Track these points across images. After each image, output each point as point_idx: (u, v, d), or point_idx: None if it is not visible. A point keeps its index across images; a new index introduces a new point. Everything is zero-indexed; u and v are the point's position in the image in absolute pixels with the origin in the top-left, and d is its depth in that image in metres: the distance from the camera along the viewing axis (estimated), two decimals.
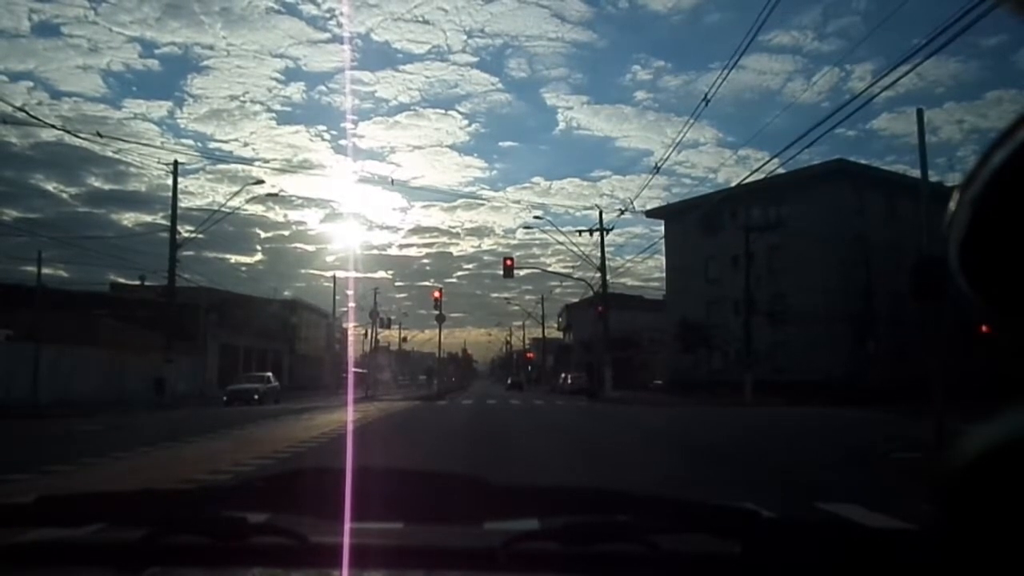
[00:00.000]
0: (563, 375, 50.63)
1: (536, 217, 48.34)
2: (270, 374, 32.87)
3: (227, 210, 30.15)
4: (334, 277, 55.32)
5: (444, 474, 1.20)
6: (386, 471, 1.20)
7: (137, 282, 42.94)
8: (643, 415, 21.85)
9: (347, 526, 1.10)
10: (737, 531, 1.12)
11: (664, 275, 48.95)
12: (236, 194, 35.72)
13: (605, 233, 33.39)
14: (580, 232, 33.87)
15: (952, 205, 0.57)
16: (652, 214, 48.60)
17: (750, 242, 35.41)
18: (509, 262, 32.41)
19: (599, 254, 33.73)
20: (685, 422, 18.85)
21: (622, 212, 34.11)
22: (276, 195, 31.70)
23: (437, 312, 35.34)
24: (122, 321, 33.48)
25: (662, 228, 47.73)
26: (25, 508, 1.19)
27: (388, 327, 64.16)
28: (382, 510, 1.16)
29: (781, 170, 31.40)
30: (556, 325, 74.64)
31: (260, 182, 30.09)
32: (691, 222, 43.95)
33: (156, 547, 1.17)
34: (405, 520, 1.25)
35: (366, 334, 60.55)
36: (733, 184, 42.13)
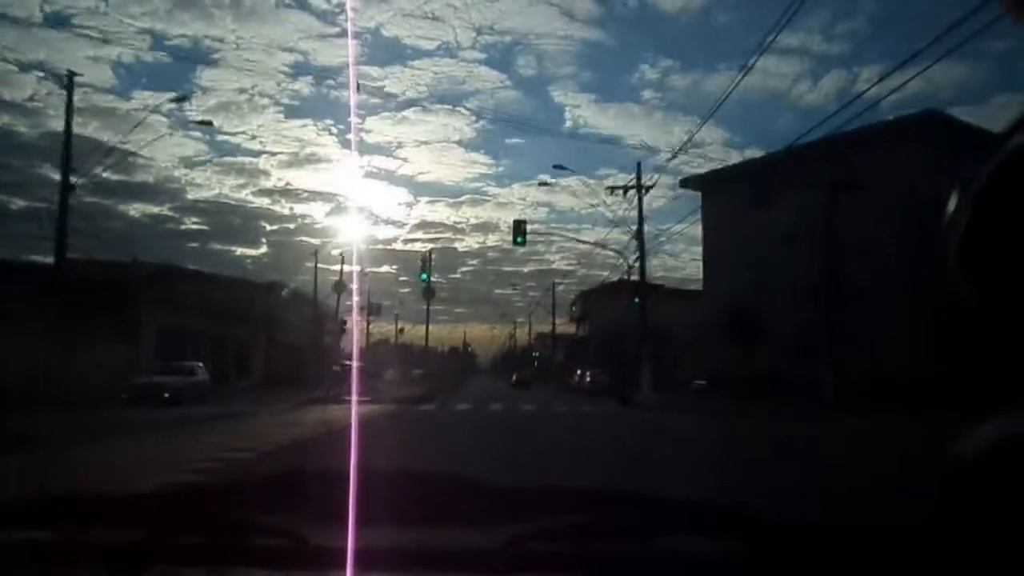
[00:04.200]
0: (579, 372, 43.19)
1: (557, 166, 40.13)
2: (199, 364, 25.27)
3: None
4: (315, 254, 47.47)
5: (445, 475, 1.23)
6: (387, 473, 1.24)
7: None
8: (713, 434, 14.72)
9: (349, 528, 1.09)
10: (740, 532, 1.12)
11: (699, 257, 41.73)
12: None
13: (643, 192, 25.98)
14: (612, 191, 26.54)
15: (952, 205, 0.58)
16: (687, 183, 41.21)
17: (805, 214, 28.93)
18: (521, 225, 25.04)
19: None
20: (798, 452, 11.65)
21: (673, 155, 26.29)
22: (209, 123, 25.09)
23: (424, 284, 27.36)
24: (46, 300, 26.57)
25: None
26: (24, 507, 1.21)
27: (378, 313, 56.89)
28: (383, 511, 1.15)
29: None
30: (569, 316, 67.37)
31: (182, 99, 23.91)
32: (735, 192, 36.88)
33: (157, 547, 1.15)
34: (406, 521, 1.20)
35: (345, 323, 53.22)
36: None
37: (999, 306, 0.57)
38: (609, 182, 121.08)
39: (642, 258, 26.56)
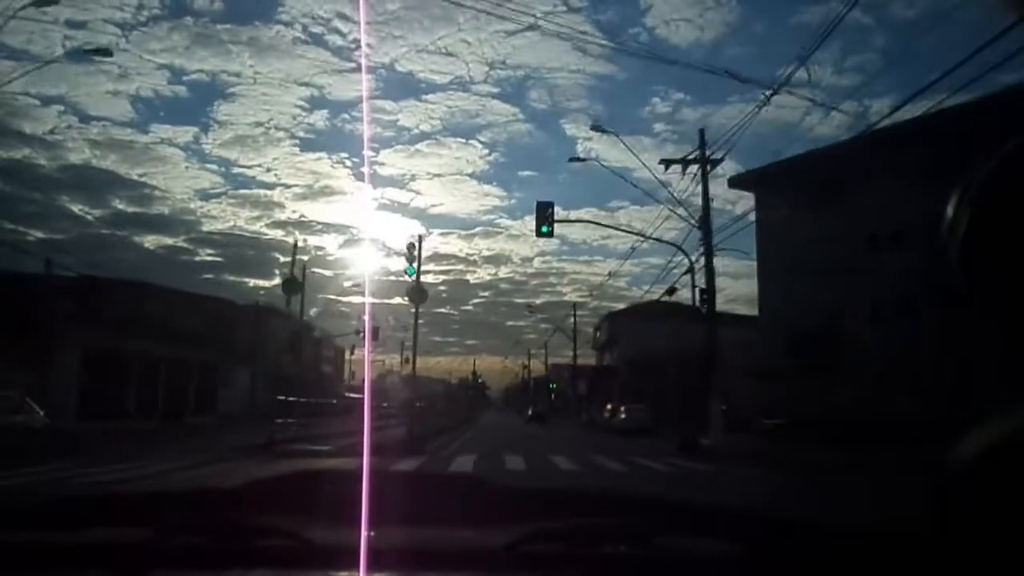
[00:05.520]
0: (610, 406, 36.15)
1: (595, 127, 32.41)
2: (11, 395, 17.08)
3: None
4: (304, 270, 40.58)
5: (449, 476, 1.27)
6: (391, 474, 1.22)
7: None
8: None
9: (355, 528, 1.08)
10: (741, 533, 1.11)
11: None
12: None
13: (708, 167, 19.33)
14: (667, 164, 19.94)
15: (951, 207, 0.59)
16: (737, 182, 34.62)
17: (895, 211, 23.04)
18: (548, 210, 18.44)
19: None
20: None
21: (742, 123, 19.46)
22: (107, 51, 19.70)
23: (412, 280, 20.16)
24: None
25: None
26: (29, 509, 1.20)
27: (376, 338, 50.24)
28: (387, 512, 1.14)
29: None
30: (592, 343, 60.43)
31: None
32: (799, 190, 30.41)
33: (161, 549, 1.13)
34: (409, 522, 1.19)
35: (352, 350, 46.69)
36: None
37: (1001, 307, 0.56)
38: (621, 214, 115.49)
39: (708, 253, 19.84)
